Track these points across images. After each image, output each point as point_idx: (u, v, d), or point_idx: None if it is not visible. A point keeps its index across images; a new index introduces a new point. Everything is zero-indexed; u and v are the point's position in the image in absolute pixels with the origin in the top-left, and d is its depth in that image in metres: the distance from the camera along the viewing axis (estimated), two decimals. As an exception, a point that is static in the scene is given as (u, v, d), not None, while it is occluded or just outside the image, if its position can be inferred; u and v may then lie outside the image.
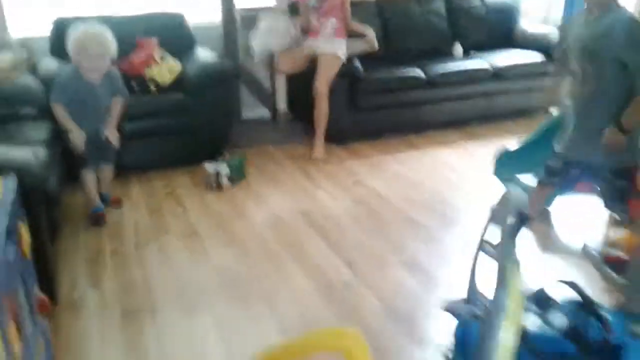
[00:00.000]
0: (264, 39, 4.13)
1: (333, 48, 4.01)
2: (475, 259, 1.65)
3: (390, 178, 3.69)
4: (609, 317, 1.56)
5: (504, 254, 1.29)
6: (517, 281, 1.25)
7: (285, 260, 2.75)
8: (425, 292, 2.48)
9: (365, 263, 2.72)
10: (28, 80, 3.32)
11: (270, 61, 4.34)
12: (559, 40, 2.57)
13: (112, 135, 3.09)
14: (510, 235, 1.34)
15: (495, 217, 1.45)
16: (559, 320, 1.58)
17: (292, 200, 3.42)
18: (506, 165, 3.37)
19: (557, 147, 2.52)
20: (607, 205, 2.46)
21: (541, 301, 1.63)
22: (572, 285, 1.61)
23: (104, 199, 3.23)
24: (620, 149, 2.23)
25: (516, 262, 1.29)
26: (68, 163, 3.07)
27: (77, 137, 2.95)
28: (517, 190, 3.18)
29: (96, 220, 3.08)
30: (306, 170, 3.82)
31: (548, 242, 2.90)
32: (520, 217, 2.61)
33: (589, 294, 1.58)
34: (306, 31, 4.15)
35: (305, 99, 4.19)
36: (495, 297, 1.21)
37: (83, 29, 2.92)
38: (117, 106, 3.12)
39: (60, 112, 2.95)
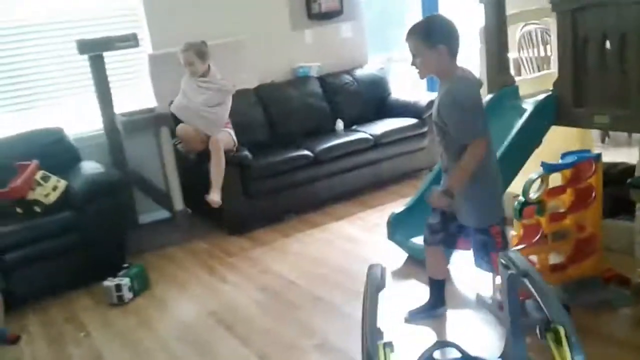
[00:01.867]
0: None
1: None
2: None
3: (293, 260, 3.76)
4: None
5: (370, 335, 1.36)
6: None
7: (198, 366, 2.70)
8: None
9: (278, 353, 2.71)
10: None
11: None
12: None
13: None
14: (373, 315, 1.42)
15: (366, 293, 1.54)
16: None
17: (198, 301, 3.38)
18: (399, 228, 3.56)
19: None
20: (474, 258, 2.61)
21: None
22: (453, 345, 1.71)
23: (1, 336, 3.03)
24: (447, 206, 2.48)
25: (387, 342, 1.37)
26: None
27: None
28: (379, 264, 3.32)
29: (11, 340, 2.92)
30: (210, 266, 3.81)
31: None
32: (436, 283, 2.73)
33: (468, 351, 1.69)
34: None
35: (201, 193, 4.22)
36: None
37: None
38: None
39: None
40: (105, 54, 4.13)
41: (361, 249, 3.78)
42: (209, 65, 4.17)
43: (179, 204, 4.71)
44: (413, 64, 2.46)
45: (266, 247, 4.01)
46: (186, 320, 3.17)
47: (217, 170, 4.07)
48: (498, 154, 2.90)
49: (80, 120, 4.46)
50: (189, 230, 4.44)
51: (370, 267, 1.62)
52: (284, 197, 4.44)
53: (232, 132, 4.30)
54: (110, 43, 4.11)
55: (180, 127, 4.26)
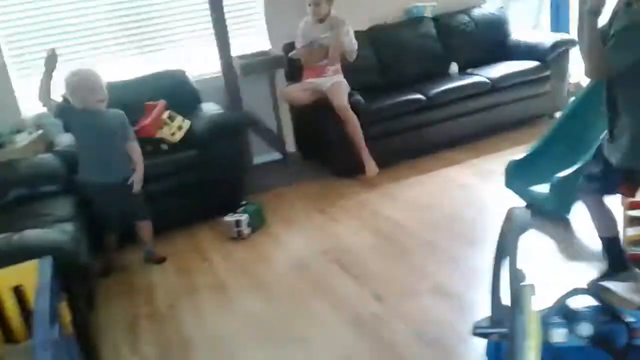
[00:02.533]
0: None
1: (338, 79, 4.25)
2: (495, 275, 1.68)
3: (404, 204, 3.76)
4: (633, 319, 1.60)
5: (513, 277, 1.32)
6: (531, 302, 1.29)
7: (312, 299, 2.83)
8: (456, 316, 2.52)
9: (391, 293, 2.77)
10: (46, 157, 3.47)
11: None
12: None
13: (138, 181, 3.25)
14: (515, 256, 1.37)
15: (504, 237, 1.49)
16: (586, 329, 1.61)
17: (312, 239, 3.50)
18: (517, 176, 3.43)
19: (609, 156, 2.32)
20: None
21: (566, 313, 1.66)
22: (591, 292, 1.65)
23: (148, 255, 3.43)
24: None
25: (528, 284, 1.33)
26: (92, 232, 3.17)
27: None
28: (523, 206, 3.21)
29: (157, 260, 3.42)
30: (322, 207, 3.90)
31: (571, 250, 2.94)
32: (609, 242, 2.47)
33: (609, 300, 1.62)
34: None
35: (312, 137, 4.26)
36: (513, 321, 1.26)
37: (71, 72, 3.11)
38: (135, 151, 3.30)
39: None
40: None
41: (474, 196, 3.71)
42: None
43: (290, 146, 4.83)
44: None
45: (376, 190, 4.03)
46: (301, 257, 3.30)
47: (357, 138, 4.13)
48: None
49: (199, 63, 4.63)
50: (300, 172, 4.55)
51: (512, 209, 1.54)
52: (395, 141, 4.40)
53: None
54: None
55: (284, 91, 4.40)
